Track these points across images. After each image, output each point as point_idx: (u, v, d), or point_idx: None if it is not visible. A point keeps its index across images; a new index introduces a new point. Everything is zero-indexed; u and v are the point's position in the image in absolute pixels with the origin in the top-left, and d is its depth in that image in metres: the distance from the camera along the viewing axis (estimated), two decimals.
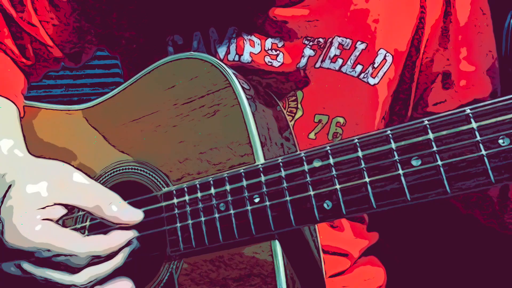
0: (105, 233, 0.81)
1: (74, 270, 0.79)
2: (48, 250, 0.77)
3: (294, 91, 0.97)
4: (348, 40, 0.95)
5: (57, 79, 2.06)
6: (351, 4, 0.96)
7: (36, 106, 1.05)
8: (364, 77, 0.96)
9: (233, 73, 0.82)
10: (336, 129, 0.97)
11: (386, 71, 0.97)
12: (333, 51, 0.95)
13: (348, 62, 0.96)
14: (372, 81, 0.97)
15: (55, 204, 0.80)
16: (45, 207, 0.79)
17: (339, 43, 0.95)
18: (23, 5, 1.02)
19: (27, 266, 0.79)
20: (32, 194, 0.79)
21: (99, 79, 2.07)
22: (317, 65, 0.96)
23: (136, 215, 0.83)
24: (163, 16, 1.00)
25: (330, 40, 0.95)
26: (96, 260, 0.80)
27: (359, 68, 0.96)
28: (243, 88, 0.81)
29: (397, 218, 1.20)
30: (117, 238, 0.81)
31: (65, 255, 0.78)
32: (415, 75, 0.99)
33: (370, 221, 1.12)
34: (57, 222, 0.80)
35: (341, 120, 0.97)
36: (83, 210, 0.82)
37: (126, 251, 0.82)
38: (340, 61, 0.95)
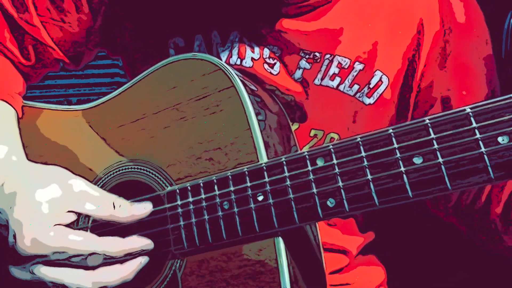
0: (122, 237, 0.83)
1: (88, 269, 0.80)
2: (63, 252, 0.78)
3: (293, 118, 0.98)
4: (346, 60, 0.96)
5: (57, 79, 2.06)
6: (348, 25, 0.97)
7: (36, 106, 1.05)
8: (359, 97, 0.98)
9: (236, 74, 0.83)
10: None
11: (382, 92, 0.98)
12: (333, 69, 0.97)
13: (346, 82, 0.97)
14: (367, 100, 0.98)
15: (67, 212, 0.81)
16: (57, 214, 0.80)
17: (339, 62, 0.96)
18: (24, 6, 1.02)
19: (38, 270, 0.80)
20: (43, 202, 0.80)
21: (99, 79, 2.08)
22: (317, 82, 0.97)
23: (146, 206, 0.85)
24: (166, 18, 1.01)
25: (328, 57, 0.96)
26: (110, 261, 0.81)
27: (355, 87, 0.97)
28: (245, 88, 0.82)
29: (397, 216, 1.21)
30: (133, 242, 0.82)
31: (80, 255, 0.79)
32: (412, 99, 0.99)
33: (365, 221, 1.13)
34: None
35: (335, 136, 0.98)
36: (95, 218, 0.83)
37: (136, 264, 0.83)
38: (338, 79, 0.97)
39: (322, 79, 0.97)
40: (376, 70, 0.97)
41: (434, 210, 1.07)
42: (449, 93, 0.98)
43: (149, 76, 0.91)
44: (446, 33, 0.97)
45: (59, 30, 1.05)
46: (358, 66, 0.97)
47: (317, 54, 0.97)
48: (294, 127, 0.98)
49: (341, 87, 0.97)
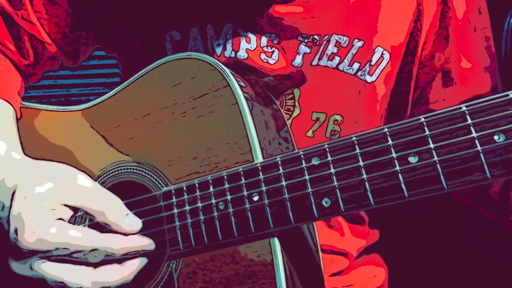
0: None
1: (88, 265, 0.80)
2: (65, 248, 0.78)
3: (291, 89, 0.97)
4: (345, 38, 0.95)
5: (56, 79, 2.06)
6: (347, 2, 0.96)
7: (34, 107, 1.04)
8: (361, 75, 0.96)
9: (231, 73, 0.82)
10: (334, 127, 0.97)
11: (383, 69, 0.97)
12: (331, 48, 0.95)
13: (345, 60, 0.96)
14: (369, 78, 0.97)
15: (64, 205, 0.81)
16: (55, 208, 0.80)
17: (336, 41, 0.95)
18: (21, 3, 1.02)
19: (38, 266, 0.80)
20: (41, 196, 0.80)
21: (99, 79, 2.08)
22: (314, 62, 0.96)
23: (136, 224, 0.84)
24: (161, 12, 1.01)
25: (327, 37, 0.96)
26: (111, 258, 0.80)
27: (356, 65, 0.96)
28: (241, 87, 0.81)
29: (397, 216, 1.20)
30: (134, 241, 0.82)
31: (82, 252, 0.78)
32: (414, 73, 0.99)
33: (370, 220, 1.12)
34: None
35: (339, 118, 0.97)
36: (87, 213, 0.83)
37: (136, 265, 0.83)
38: (337, 59, 0.96)
39: (319, 59, 0.96)
40: (376, 47, 0.96)
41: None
42: (449, 65, 0.97)
43: (145, 76, 0.91)
44: (446, 5, 0.97)
45: (55, 26, 1.05)
46: (358, 43, 0.96)
47: (316, 37, 0.96)
48: (295, 112, 0.97)
49: (340, 67, 0.96)
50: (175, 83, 0.86)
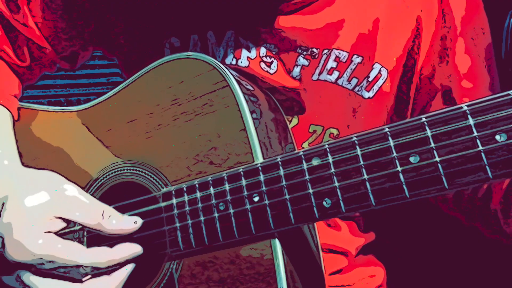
0: (110, 246, 0.82)
1: (75, 281, 0.80)
2: (51, 262, 0.77)
3: (291, 112, 0.97)
4: (344, 53, 0.96)
5: (56, 79, 2.06)
6: (347, 18, 0.96)
7: (32, 108, 1.04)
8: (358, 90, 0.97)
9: (231, 73, 0.82)
10: (329, 140, 0.97)
11: (381, 85, 0.97)
12: (330, 63, 0.96)
13: (344, 75, 0.96)
14: (366, 94, 0.97)
15: (55, 217, 0.80)
16: (45, 220, 0.79)
17: (336, 56, 0.95)
18: (18, 7, 1.01)
19: (27, 278, 0.79)
20: (32, 207, 0.79)
21: (99, 79, 2.07)
22: (315, 77, 0.96)
23: (137, 220, 0.84)
24: (161, 18, 1.00)
25: (326, 52, 0.96)
26: (98, 272, 0.80)
27: (354, 81, 0.96)
28: (241, 87, 0.81)
29: (393, 217, 1.20)
30: (121, 251, 0.82)
31: (68, 267, 0.78)
32: (412, 91, 0.99)
33: (365, 221, 1.12)
34: (56, 234, 0.81)
35: (335, 131, 0.98)
36: (83, 225, 0.82)
37: (124, 274, 0.82)
38: (336, 73, 0.96)
39: (320, 73, 0.96)
40: (375, 63, 0.96)
41: (435, 201, 1.05)
42: (450, 84, 0.97)
43: (144, 76, 0.90)
44: (446, 24, 0.96)
45: (53, 31, 1.04)
46: (357, 59, 0.96)
47: (314, 50, 0.96)
48: (293, 123, 0.97)
49: (339, 81, 0.96)
50: (175, 83, 0.86)
